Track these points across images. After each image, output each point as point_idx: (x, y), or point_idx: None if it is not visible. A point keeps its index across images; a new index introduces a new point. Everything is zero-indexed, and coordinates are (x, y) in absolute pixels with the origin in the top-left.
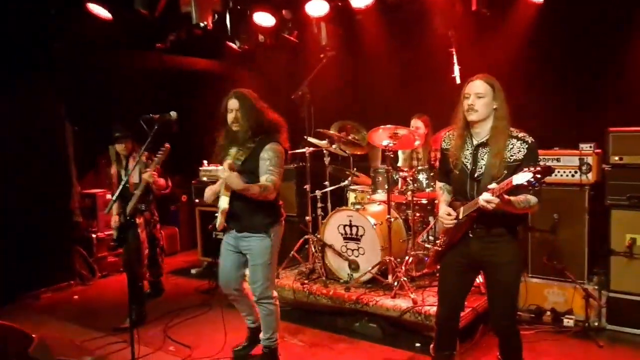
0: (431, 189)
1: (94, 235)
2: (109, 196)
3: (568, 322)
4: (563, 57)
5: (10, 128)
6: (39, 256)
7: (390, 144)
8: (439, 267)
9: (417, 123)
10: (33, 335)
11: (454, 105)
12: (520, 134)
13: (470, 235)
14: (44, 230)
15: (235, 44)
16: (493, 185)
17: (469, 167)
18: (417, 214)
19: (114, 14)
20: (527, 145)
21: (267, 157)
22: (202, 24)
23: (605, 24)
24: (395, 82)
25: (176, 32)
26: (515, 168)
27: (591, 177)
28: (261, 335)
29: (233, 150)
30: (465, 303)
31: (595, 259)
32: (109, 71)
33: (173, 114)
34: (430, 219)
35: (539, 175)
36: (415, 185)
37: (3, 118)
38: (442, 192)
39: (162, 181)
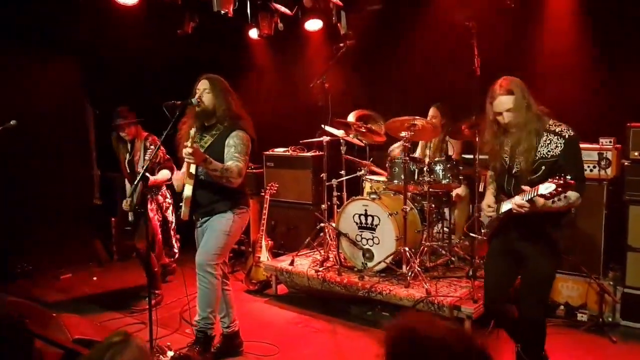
0: (448, 180)
1: (112, 219)
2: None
3: (582, 316)
4: (584, 51)
5: (32, 110)
6: (60, 238)
7: (408, 135)
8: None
9: (432, 112)
10: (52, 315)
11: (473, 97)
12: (558, 128)
13: (511, 226)
14: (64, 212)
15: (255, 32)
16: (527, 188)
17: (507, 162)
18: (433, 205)
19: (139, 1)
20: (564, 140)
21: (233, 143)
22: (223, 12)
23: (627, 18)
24: (415, 73)
25: (197, 19)
26: (553, 163)
27: (610, 172)
28: (195, 317)
29: (192, 131)
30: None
31: (611, 254)
32: (132, 56)
33: (194, 100)
34: (446, 210)
35: (560, 189)
36: (432, 176)
37: (26, 101)
38: (490, 181)
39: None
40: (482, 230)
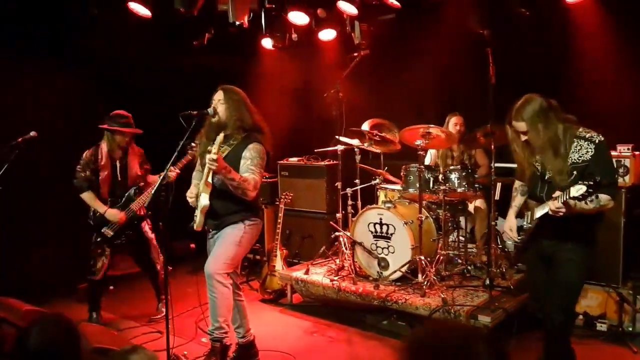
0: (463, 189)
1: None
2: None
3: (601, 326)
4: (601, 58)
5: (50, 121)
6: (77, 248)
7: (422, 143)
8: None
9: (458, 120)
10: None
11: (487, 105)
12: (588, 134)
13: (544, 232)
14: (80, 222)
15: (269, 42)
16: (557, 194)
17: (539, 169)
18: (448, 214)
19: (153, 12)
20: (594, 145)
21: (249, 156)
22: (237, 23)
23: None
24: (428, 81)
25: (212, 31)
26: (584, 169)
27: (628, 179)
28: (209, 327)
29: (220, 137)
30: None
31: (630, 263)
32: (147, 68)
33: (210, 110)
34: (461, 219)
35: (591, 190)
36: (447, 184)
37: (45, 111)
38: (515, 195)
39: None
40: (519, 238)
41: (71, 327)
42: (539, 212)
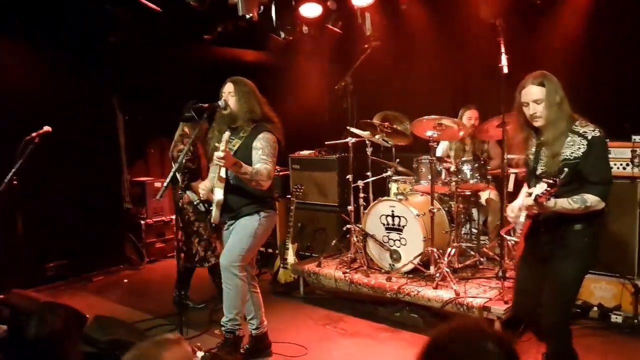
0: (475, 180)
1: (142, 222)
2: (157, 184)
3: (616, 318)
4: (615, 47)
5: (65, 116)
6: (92, 241)
7: (434, 135)
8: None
9: (473, 114)
10: (87, 316)
11: (500, 96)
12: (582, 129)
13: (541, 229)
14: (96, 216)
15: (280, 35)
16: (531, 190)
17: (532, 164)
18: (460, 206)
19: (164, 7)
20: (586, 142)
21: (260, 146)
22: (248, 16)
23: None
24: (440, 72)
25: (223, 24)
26: (575, 165)
27: None
28: (223, 319)
29: (226, 135)
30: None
31: None
32: (159, 62)
33: (221, 103)
34: (474, 211)
35: (550, 189)
36: (459, 176)
37: (60, 106)
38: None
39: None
40: (517, 232)
41: (72, 319)
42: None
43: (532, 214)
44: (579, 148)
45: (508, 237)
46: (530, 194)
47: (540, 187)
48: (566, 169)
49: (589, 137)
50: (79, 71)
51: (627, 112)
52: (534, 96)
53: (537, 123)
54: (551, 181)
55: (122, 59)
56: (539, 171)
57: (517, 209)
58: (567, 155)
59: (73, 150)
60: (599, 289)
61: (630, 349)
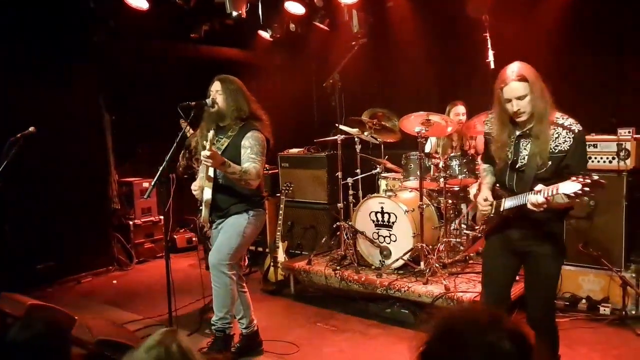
0: (464, 175)
1: (131, 223)
2: (145, 184)
3: (604, 310)
4: (601, 41)
5: (51, 116)
6: (80, 242)
7: (423, 131)
8: (480, 252)
9: (460, 109)
10: (75, 317)
11: (487, 91)
12: (567, 122)
13: (511, 224)
14: (84, 217)
15: (267, 33)
16: (540, 187)
17: (510, 157)
18: (449, 201)
19: (151, 5)
20: (573, 135)
21: (249, 145)
22: (235, 14)
23: None
24: (428, 69)
25: (210, 22)
26: (561, 159)
27: (629, 163)
28: (213, 318)
29: (210, 134)
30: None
31: (632, 246)
32: (145, 61)
33: (208, 101)
34: (463, 206)
35: (587, 189)
36: (448, 172)
37: (45, 107)
38: (485, 174)
39: None
40: (477, 227)
41: (58, 322)
42: (509, 203)
43: (538, 210)
44: (565, 141)
45: (470, 232)
46: (538, 192)
47: (573, 187)
48: (550, 163)
49: (575, 130)
50: (64, 71)
51: (613, 106)
52: (518, 92)
53: (522, 118)
54: (588, 180)
55: (109, 57)
56: (519, 164)
57: (491, 197)
58: (551, 148)
59: (60, 151)
60: (587, 282)
61: (619, 340)
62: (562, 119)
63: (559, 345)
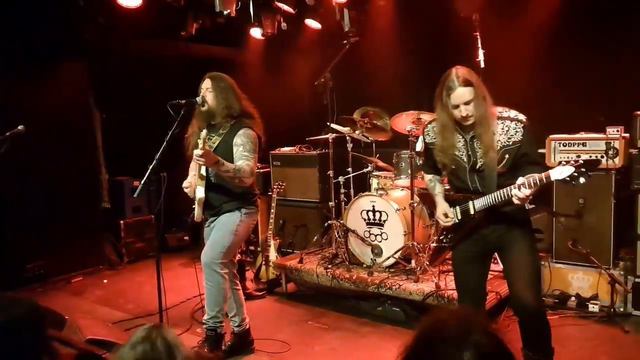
0: None
1: (121, 222)
2: (136, 182)
3: (593, 307)
4: (590, 39)
5: (41, 115)
6: (70, 241)
7: (414, 129)
8: (450, 260)
9: None
10: (66, 317)
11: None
12: (512, 114)
13: (484, 225)
14: (74, 216)
15: (258, 31)
16: (521, 180)
17: (465, 159)
18: None
19: (141, 3)
20: (522, 125)
21: (241, 142)
22: (225, 12)
23: (635, 2)
24: (419, 68)
25: (200, 20)
26: (517, 150)
27: (618, 161)
28: (204, 317)
29: (203, 133)
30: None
31: (621, 244)
32: (136, 59)
33: (198, 99)
34: None
35: (583, 169)
36: None
37: (35, 105)
38: (433, 185)
39: None
40: (441, 237)
41: (40, 312)
42: (479, 205)
43: (522, 203)
44: (517, 132)
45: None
46: (521, 185)
47: (563, 171)
48: (507, 156)
49: (523, 120)
50: (53, 68)
51: (602, 104)
52: (465, 98)
53: (469, 122)
54: (581, 162)
55: (99, 55)
56: (478, 164)
57: (450, 210)
58: (504, 142)
59: (50, 150)
60: (576, 280)
61: (608, 337)
62: (506, 112)
63: (551, 337)
